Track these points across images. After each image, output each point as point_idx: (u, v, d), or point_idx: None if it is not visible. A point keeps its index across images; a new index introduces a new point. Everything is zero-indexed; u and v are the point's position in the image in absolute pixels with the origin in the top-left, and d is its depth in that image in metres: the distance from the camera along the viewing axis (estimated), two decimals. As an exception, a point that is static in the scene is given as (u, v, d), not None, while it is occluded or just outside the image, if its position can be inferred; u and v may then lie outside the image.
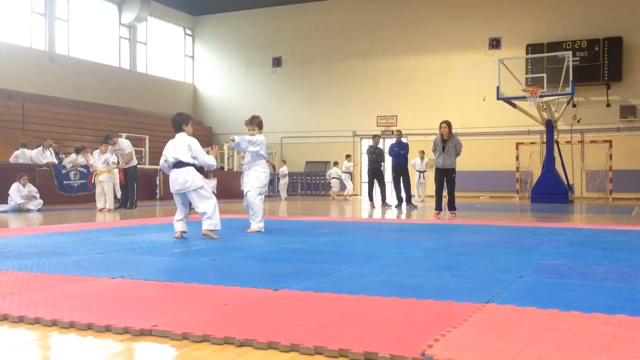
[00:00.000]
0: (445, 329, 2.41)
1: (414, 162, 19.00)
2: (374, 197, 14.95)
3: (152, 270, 4.12)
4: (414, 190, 18.26)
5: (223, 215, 10.71)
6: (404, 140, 15.48)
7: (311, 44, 25.24)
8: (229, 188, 19.64)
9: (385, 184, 15.20)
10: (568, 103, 17.53)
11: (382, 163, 15.10)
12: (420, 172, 19.06)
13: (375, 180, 14.86)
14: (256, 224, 7.29)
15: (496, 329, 2.43)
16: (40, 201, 12.57)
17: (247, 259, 4.72)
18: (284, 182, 21.37)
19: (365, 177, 23.66)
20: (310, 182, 24.55)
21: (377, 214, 12.03)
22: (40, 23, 20.57)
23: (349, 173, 20.82)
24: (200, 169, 10.93)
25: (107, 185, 12.66)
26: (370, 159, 14.88)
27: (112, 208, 12.56)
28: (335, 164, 21.50)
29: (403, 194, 14.35)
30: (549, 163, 16.63)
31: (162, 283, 3.58)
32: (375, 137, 15.42)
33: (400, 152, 14.39)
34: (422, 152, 18.97)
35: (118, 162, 12.84)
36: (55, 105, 20.01)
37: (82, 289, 3.39)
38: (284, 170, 21.42)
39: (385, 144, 24.15)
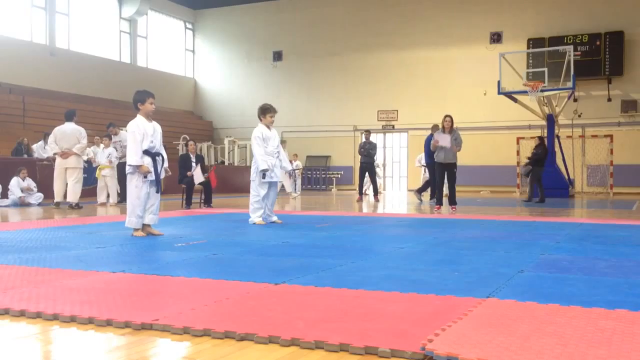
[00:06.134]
0: (445, 324, 2.42)
1: (420, 156, 18.96)
2: (365, 192, 15.25)
3: (153, 265, 4.13)
4: (415, 185, 18.35)
5: (223, 209, 10.73)
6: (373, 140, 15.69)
7: (312, 37, 25.17)
8: (228, 182, 19.65)
9: (377, 178, 15.51)
10: (569, 97, 17.49)
11: (375, 157, 15.30)
12: (424, 166, 18.97)
13: (366, 174, 15.05)
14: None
15: (496, 324, 2.43)
16: (41, 195, 12.57)
17: (248, 253, 4.72)
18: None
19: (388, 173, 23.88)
20: (311, 177, 24.54)
21: (376, 208, 12.03)
22: (40, 17, 20.51)
23: None
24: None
25: (110, 180, 12.66)
26: (362, 153, 15.04)
27: (116, 202, 12.58)
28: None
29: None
30: (549, 157, 16.60)
31: (163, 277, 3.59)
32: (367, 132, 15.54)
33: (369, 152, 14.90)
34: None
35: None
36: (56, 99, 19.98)
37: (83, 283, 3.39)
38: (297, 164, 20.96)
39: (386, 138, 24.28)
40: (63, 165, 11.22)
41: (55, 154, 11.30)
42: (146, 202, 5.87)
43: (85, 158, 15.08)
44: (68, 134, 11.17)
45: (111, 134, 12.95)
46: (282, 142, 16.82)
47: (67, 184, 11.32)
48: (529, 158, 14.36)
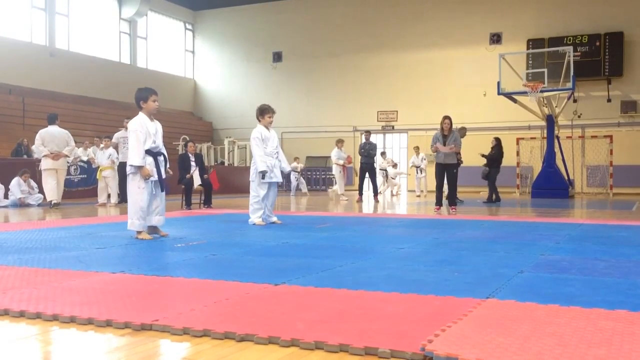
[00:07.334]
0: (445, 324, 2.42)
1: (413, 158, 18.94)
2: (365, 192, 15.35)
3: (153, 265, 4.13)
4: (414, 186, 18.40)
5: (222, 210, 10.72)
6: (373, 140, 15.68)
7: (312, 38, 25.18)
8: (227, 183, 19.63)
9: (377, 178, 15.60)
10: (569, 98, 17.49)
11: (374, 157, 15.34)
12: (417, 167, 18.96)
13: (367, 175, 15.06)
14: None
15: (496, 324, 2.43)
16: (40, 196, 12.56)
17: (248, 254, 4.72)
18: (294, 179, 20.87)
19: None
20: (311, 177, 24.52)
21: (378, 209, 12.03)
22: (40, 18, 20.52)
23: (384, 170, 19.44)
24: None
25: (111, 181, 12.64)
26: (362, 154, 15.05)
27: (116, 203, 12.57)
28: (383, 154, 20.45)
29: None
30: (549, 158, 16.61)
31: (163, 278, 3.59)
32: (367, 133, 15.55)
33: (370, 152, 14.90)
34: (417, 148, 18.88)
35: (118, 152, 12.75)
36: (56, 99, 19.99)
37: (83, 283, 3.39)
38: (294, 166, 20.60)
39: (386, 139, 24.29)
40: (54, 167, 11.48)
41: (44, 156, 11.41)
42: (150, 203, 5.74)
43: (87, 160, 15.10)
44: (57, 136, 11.52)
45: (124, 126, 12.71)
46: (339, 141, 16.67)
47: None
48: (483, 156, 14.18)
